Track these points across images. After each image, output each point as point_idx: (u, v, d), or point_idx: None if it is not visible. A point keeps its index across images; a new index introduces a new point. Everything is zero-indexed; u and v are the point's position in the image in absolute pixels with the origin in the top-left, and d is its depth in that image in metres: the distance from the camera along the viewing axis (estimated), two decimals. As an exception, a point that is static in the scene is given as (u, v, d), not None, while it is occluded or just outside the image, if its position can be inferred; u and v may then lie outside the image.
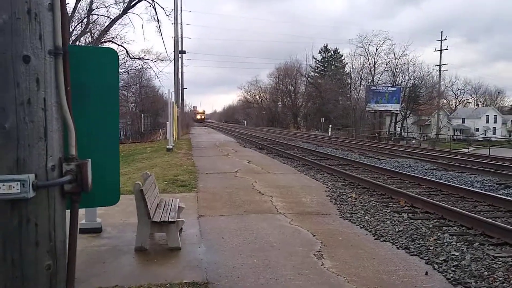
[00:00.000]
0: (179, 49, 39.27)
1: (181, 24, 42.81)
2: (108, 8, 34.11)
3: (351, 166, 16.22)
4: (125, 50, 33.62)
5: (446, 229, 7.10)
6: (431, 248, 6.02)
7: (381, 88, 55.51)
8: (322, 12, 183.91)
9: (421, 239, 6.44)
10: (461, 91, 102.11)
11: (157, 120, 56.86)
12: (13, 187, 1.72)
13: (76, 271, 2.00)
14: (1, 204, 1.78)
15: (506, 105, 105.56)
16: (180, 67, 41.95)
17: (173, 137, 24.37)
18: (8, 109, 1.77)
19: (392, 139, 53.20)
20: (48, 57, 1.83)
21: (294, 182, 11.57)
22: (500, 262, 5.44)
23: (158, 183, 8.51)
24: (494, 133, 79.29)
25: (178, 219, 5.89)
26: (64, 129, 1.93)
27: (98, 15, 32.53)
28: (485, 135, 72.67)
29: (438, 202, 8.70)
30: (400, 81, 60.25)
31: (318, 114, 68.40)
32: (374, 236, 6.62)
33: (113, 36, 33.03)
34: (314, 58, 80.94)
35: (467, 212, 7.76)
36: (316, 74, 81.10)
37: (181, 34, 42.86)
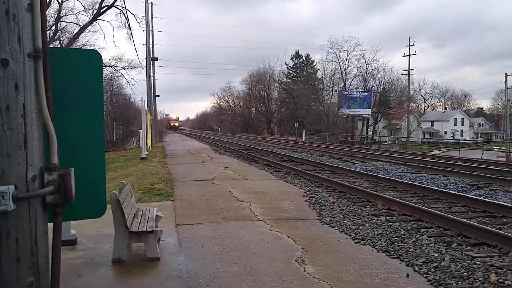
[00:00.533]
0: (151, 56, 38.90)
1: (153, 31, 42.42)
2: (77, 15, 33.40)
3: (327, 171, 16.32)
4: (95, 58, 32.97)
5: (424, 231, 7.18)
6: (410, 250, 6.07)
7: (353, 93, 56.41)
8: (292, 18, 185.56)
9: (400, 242, 6.49)
10: (429, 95, 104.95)
11: (129, 128, 55.98)
12: (-8, 200, 1.60)
13: None
14: (-21, 218, 1.65)
15: (473, 108, 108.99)
16: (152, 74, 41.50)
17: (146, 145, 24.01)
18: (-16, 117, 1.65)
19: (365, 143, 53.99)
20: (27, 60, 1.73)
21: (272, 188, 11.53)
22: (479, 262, 5.52)
23: (133, 192, 8.33)
24: (462, 136, 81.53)
25: (156, 229, 5.75)
26: (45, 137, 1.82)
27: (67, 22, 31.98)
28: (454, 137, 74.63)
29: (415, 204, 8.82)
30: (371, 86, 61.40)
31: (292, 119, 68.83)
32: (354, 239, 6.63)
33: (83, 43, 32.44)
34: (286, 64, 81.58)
35: (444, 214, 7.89)
36: (288, 80, 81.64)
37: (153, 41, 42.46)
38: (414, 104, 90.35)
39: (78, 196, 1.91)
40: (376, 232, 7.01)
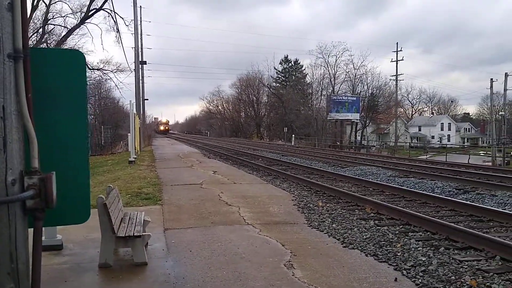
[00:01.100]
0: (140, 59, 38.73)
1: (141, 35, 42.30)
2: (65, 18, 33.11)
3: (316, 175, 16.34)
4: (83, 61, 32.73)
5: (412, 235, 7.21)
6: (398, 254, 6.08)
7: (341, 97, 56.65)
8: (282, 22, 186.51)
9: (388, 246, 6.49)
10: (417, 100, 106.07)
11: (117, 132, 55.63)
12: (-31, 204, 1.55)
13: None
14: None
15: (459, 113, 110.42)
16: (141, 77, 41.30)
17: (135, 149, 23.85)
18: (-38, 119, 1.60)
19: (353, 147, 54.25)
20: (7, 60, 1.67)
21: (261, 192, 11.50)
22: (466, 266, 5.54)
23: (121, 196, 8.23)
24: (449, 140, 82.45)
25: (144, 233, 5.69)
26: (25, 140, 1.77)
27: (54, 24, 31.71)
28: (441, 142, 75.41)
29: (403, 209, 8.85)
30: (359, 91, 61.70)
31: (281, 124, 68.89)
32: (342, 244, 6.63)
33: (71, 46, 32.12)
34: (275, 68, 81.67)
35: (432, 218, 7.92)
36: (278, 84, 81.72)
37: (141, 45, 42.32)
38: (402, 109, 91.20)
39: (60, 201, 1.85)
40: (364, 236, 7.02)
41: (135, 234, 5.49)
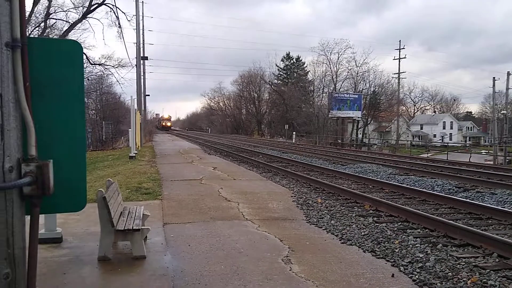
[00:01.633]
0: (141, 55, 38.70)
1: (143, 30, 42.26)
2: (66, 12, 33.13)
3: (316, 172, 16.36)
4: (85, 56, 32.77)
5: (410, 232, 7.23)
6: (396, 250, 6.10)
7: (343, 95, 56.58)
8: (285, 19, 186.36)
9: (386, 242, 6.52)
10: (419, 98, 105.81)
11: (118, 128, 55.64)
12: (-33, 190, 1.57)
13: (36, 282, 1.86)
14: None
15: (462, 111, 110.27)
16: (142, 73, 41.32)
17: (136, 144, 23.88)
18: (-40, 106, 1.62)
19: (355, 145, 54.25)
20: (5, 49, 1.70)
21: (260, 188, 11.53)
22: (464, 263, 5.56)
23: (121, 191, 8.27)
24: (450, 139, 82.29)
25: (143, 227, 5.71)
26: (23, 128, 1.80)
27: (56, 19, 31.69)
28: (442, 140, 75.34)
29: (401, 206, 8.87)
30: (361, 89, 61.69)
31: (282, 121, 68.92)
32: (340, 240, 6.65)
33: (73, 39, 32.11)
34: (277, 65, 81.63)
35: (430, 215, 7.94)
36: (279, 81, 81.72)
37: (143, 40, 42.28)
38: (404, 107, 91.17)
39: (57, 189, 1.88)
40: (363, 233, 7.04)
41: (134, 228, 5.52)
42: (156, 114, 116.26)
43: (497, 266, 5.47)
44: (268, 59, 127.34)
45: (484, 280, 4.93)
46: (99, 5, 30.59)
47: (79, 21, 30.98)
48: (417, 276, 5.07)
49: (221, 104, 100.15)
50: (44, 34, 29.96)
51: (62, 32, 31.16)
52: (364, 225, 7.62)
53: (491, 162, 32.46)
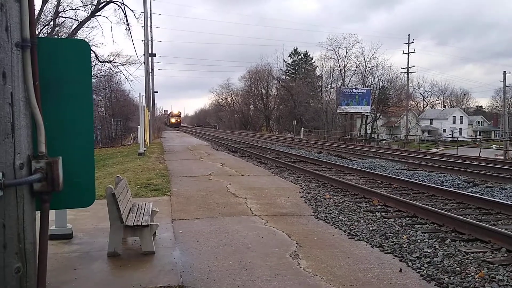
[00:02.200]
0: (150, 52, 38.84)
1: (151, 27, 42.41)
2: (75, 10, 33.42)
3: (324, 167, 16.35)
4: (93, 53, 32.97)
5: (418, 227, 7.22)
6: (404, 245, 6.10)
7: (351, 90, 56.35)
8: (293, 15, 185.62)
9: (394, 237, 6.52)
10: (429, 93, 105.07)
11: (127, 125, 55.97)
12: (-21, 187, 1.61)
13: (46, 276, 1.91)
14: (-34, 204, 1.66)
15: (472, 106, 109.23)
16: (150, 70, 41.47)
17: (144, 141, 24.02)
18: (-28, 105, 1.66)
19: (363, 140, 54.03)
20: (15, 49, 1.74)
21: (268, 184, 11.56)
22: (472, 258, 5.55)
23: (130, 187, 8.34)
24: (460, 134, 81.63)
25: (152, 223, 5.77)
26: (33, 126, 1.84)
27: (65, 17, 31.91)
28: (452, 135, 74.73)
29: (410, 201, 8.85)
30: (370, 84, 61.32)
31: (290, 116, 68.80)
32: (348, 235, 6.66)
33: (81, 38, 32.34)
34: (284, 61, 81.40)
35: (439, 210, 7.92)
36: (287, 77, 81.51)
37: (151, 37, 42.42)
38: (413, 102, 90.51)
39: (66, 185, 1.92)
40: (371, 228, 7.04)
41: (143, 224, 5.57)
42: (164, 110, 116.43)
43: (505, 261, 5.45)
44: (276, 55, 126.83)
45: (492, 275, 4.91)
46: (108, 3, 30.76)
47: (87, 19, 31.18)
48: (425, 271, 5.06)
49: (229, 100, 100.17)
50: (53, 33, 30.19)
51: (71, 30, 31.40)
52: (372, 220, 7.62)
53: (502, 157, 32.16)
